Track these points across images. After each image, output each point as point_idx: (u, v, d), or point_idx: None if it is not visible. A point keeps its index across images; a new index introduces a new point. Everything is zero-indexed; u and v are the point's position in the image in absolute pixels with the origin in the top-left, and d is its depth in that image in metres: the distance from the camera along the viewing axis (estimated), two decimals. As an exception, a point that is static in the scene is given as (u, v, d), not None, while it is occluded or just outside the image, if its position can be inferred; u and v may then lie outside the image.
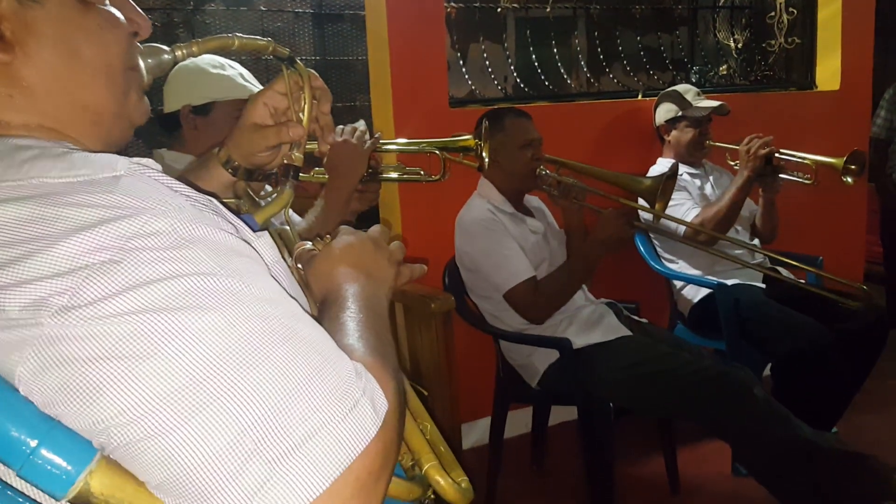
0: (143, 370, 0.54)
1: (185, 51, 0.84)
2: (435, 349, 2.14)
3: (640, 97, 3.26)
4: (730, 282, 2.66)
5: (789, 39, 3.67)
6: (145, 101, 0.78)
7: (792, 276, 2.71)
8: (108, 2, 0.73)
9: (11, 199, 0.58)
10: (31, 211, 0.57)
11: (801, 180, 2.88)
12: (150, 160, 0.65)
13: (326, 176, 1.63)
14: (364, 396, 0.61)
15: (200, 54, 0.85)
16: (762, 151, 2.70)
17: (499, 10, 3.15)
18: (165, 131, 1.82)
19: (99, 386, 0.54)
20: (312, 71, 0.97)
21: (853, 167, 2.83)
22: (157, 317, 0.55)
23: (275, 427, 0.56)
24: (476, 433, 2.80)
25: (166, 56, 0.82)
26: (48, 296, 0.54)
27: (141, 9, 0.77)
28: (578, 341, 2.21)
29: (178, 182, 0.65)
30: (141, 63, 0.78)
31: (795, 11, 3.63)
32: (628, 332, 2.27)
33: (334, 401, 0.59)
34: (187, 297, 0.56)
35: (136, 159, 0.64)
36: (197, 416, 0.54)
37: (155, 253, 0.56)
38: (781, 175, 2.82)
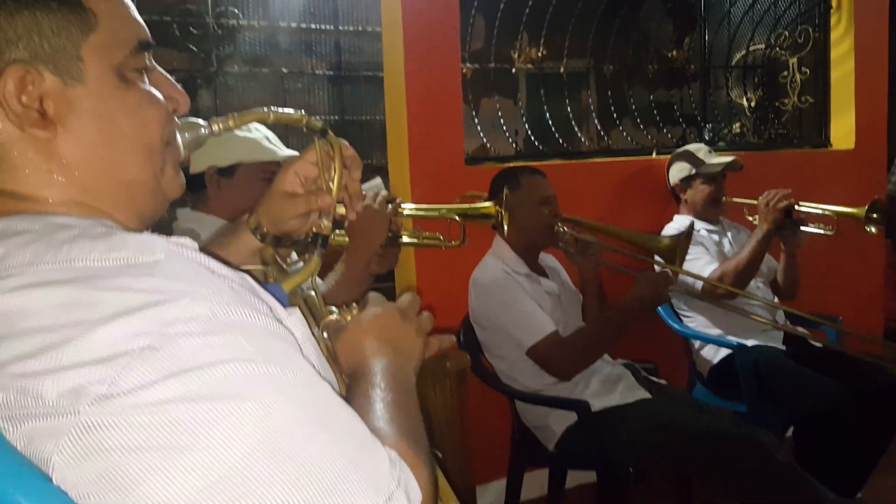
0: (182, 462, 0.53)
1: (221, 125, 0.84)
2: (449, 408, 2.11)
3: (654, 155, 3.27)
4: (749, 342, 2.63)
5: (802, 98, 3.70)
6: (181, 175, 0.79)
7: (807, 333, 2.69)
8: (147, 80, 0.74)
9: (52, 282, 0.57)
10: (71, 294, 0.56)
11: (822, 231, 2.86)
12: (188, 239, 0.65)
13: (346, 238, 1.63)
14: (399, 488, 0.60)
15: (237, 128, 0.86)
16: (781, 204, 2.70)
17: (513, 70, 3.20)
18: (189, 191, 1.84)
19: (136, 477, 0.53)
20: (343, 141, 0.97)
21: (875, 216, 2.81)
22: (196, 406, 0.54)
23: None
24: (490, 495, 2.73)
25: (203, 131, 0.83)
26: (87, 384, 0.53)
27: (165, 68, 0.78)
28: (597, 403, 2.18)
29: (214, 261, 0.65)
30: (178, 138, 0.79)
31: (808, 71, 3.67)
32: (647, 395, 2.23)
33: (370, 492, 0.58)
34: (226, 385, 0.55)
35: (174, 239, 0.64)
36: None
37: (195, 339, 0.56)
38: (802, 228, 2.81)
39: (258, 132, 1.77)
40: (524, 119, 3.22)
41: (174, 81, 0.77)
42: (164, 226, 0.82)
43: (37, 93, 0.66)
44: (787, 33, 3.72)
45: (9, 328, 0.56)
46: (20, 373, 0.55)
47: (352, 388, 0.78)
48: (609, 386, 2.26)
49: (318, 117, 0.96)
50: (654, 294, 2.19)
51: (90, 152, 0.68)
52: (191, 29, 2.65)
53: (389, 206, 1.60)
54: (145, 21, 0.75)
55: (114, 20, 0.70)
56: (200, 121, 0.83)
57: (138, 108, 0.71)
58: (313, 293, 1.02)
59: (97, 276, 0.58)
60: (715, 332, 2.77)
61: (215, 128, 0.84)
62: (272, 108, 0.89)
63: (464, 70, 2.90)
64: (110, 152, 0.70)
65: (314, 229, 0.98)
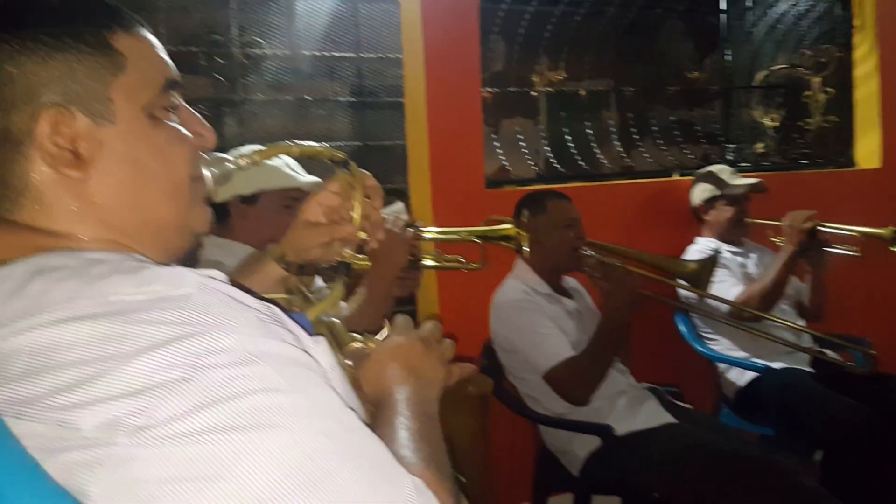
0: (215, 492, 0.54)
1: (247, 160, 0.87)
2: (471, 433, 2.10)
3: (675, 176, 3.27)
4: (776, 365, 2.60)
5: (826, 118, 3.68)
6: (207, 210, 0.81)
7: (839, 358, 2.65)
8: (174, 117, 0.76)
9: (87, 316, 0.59)
10: (105, 329, 0.58)
11: (847, 252, 2.83)
12: (217, 271, 0.67)
13: (368, 262, 1.65)
14: None
15: (262, 161, 0.88)
16: (806, 225, 2.68)
17: (534, 92, 3.22)
18: (214, 219, 1.87)
19: None
20: (365, 171, 0.99)
21: None
22: (228, 436, 0.55)
23: None
24: (514, 520, 2.71)
25: (230, 165, 0.85)
26: (122, 415, 0.55)
27: (191, 97, 0.79)
28: (621, 428, 2.16)
29: (242, 292, 0.66)
30: (205, 172, 0.81)
31: (832, 90, 3.65)
32: (672, 419, 2.21)
33: None
34: (256, 415, 0.57)
35: (203, 271, 0.65)
36: None
37: (224, 370, 0.57)
38: (827, 249, 2.78)
39: (279, 159, 1.80)
40: (544, 141, 3.24)
41: (201, 118, 0.79)
42: (191, 253, 0.84)
43: (70, 134, 0.68)
44: (809, 52, 3.70)
45: (45, 362, 0.58)
46: (57, 405, 0.56)
47: (376, 417, 0.79)
48: (633, 410, 2.24)
49: (340, 143, 0.99)
50: (629, 298, 2.16)
51: (120, 192, 0.70)
52: (216, 58, 2.71)
53: (411, 230, 1.62)
54: (173, 51, 0.78)
55: (142, 60, 0.72)
56: (227, 156, 0.86)
57: (167, 147, 0.73)
58: (337, 321, 1.03)
59: (130, 310, 0.59)
60: (741, 354, 2.74)
61: (242, 162, 0.87)
62: (296, 141, 0.91)
63: (484, 94, 2.93)
64: (139, 193, 0.71)
65: (337, 258, 1.00)
